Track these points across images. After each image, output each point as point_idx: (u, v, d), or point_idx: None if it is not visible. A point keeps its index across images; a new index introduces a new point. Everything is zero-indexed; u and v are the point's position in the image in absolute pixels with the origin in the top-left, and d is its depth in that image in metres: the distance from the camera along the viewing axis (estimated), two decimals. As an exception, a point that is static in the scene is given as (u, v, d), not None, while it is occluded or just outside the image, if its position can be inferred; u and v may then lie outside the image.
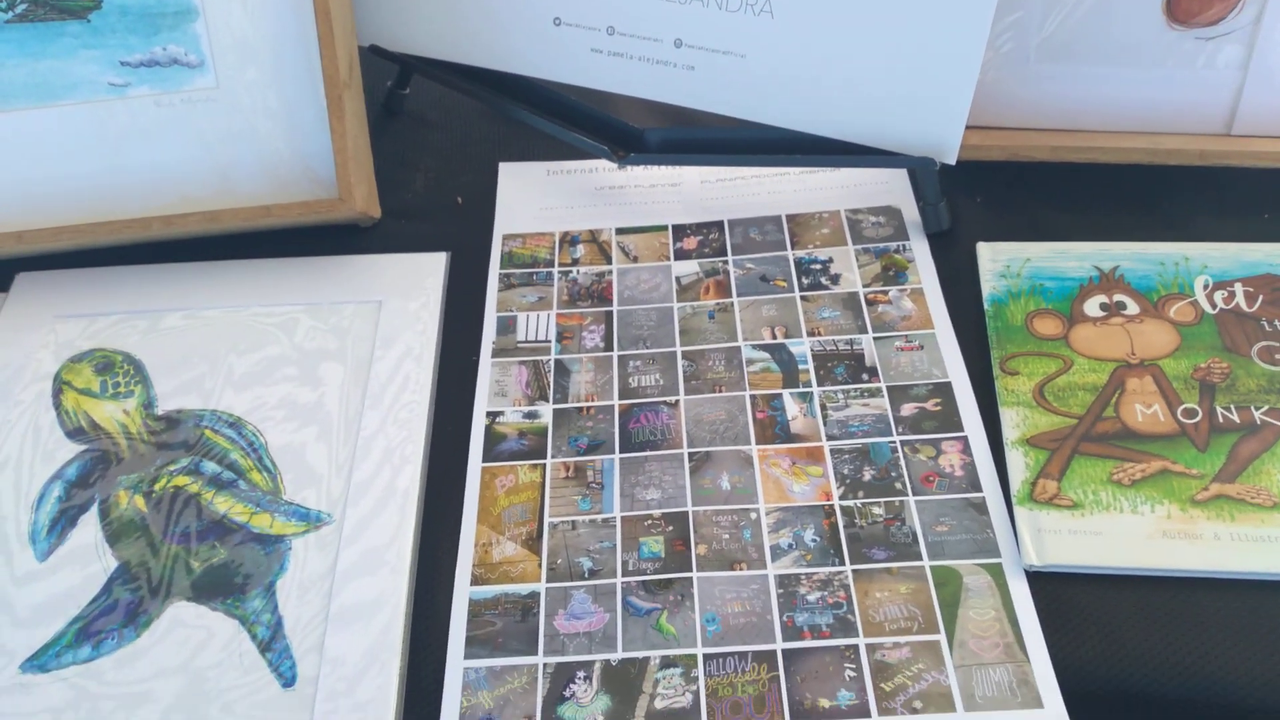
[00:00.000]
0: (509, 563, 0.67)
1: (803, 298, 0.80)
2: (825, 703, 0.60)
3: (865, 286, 0.80)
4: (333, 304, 0.81)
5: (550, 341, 0.79)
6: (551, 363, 0.77)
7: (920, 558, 0.65)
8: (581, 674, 0.62)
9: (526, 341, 0.79)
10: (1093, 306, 0.76)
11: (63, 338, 0.80)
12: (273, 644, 0.64)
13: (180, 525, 0.69)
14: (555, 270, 0.84)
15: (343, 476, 0.71)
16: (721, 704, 0.60)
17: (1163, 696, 0.59)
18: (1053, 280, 0.78)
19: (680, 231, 0.86)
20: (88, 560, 0.68)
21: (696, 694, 0.61)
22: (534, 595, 0.65)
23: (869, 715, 0.59)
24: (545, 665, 0.62)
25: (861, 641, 0.62)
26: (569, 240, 0.86)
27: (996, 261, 0.79)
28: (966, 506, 0.67)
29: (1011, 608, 0.62)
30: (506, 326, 0.80)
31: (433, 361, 0.77)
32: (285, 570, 0.67)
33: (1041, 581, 0.64)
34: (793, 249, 0.84)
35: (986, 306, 0.77)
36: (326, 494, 0.70)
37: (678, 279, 0.82)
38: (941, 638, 0.62)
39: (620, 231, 0.87)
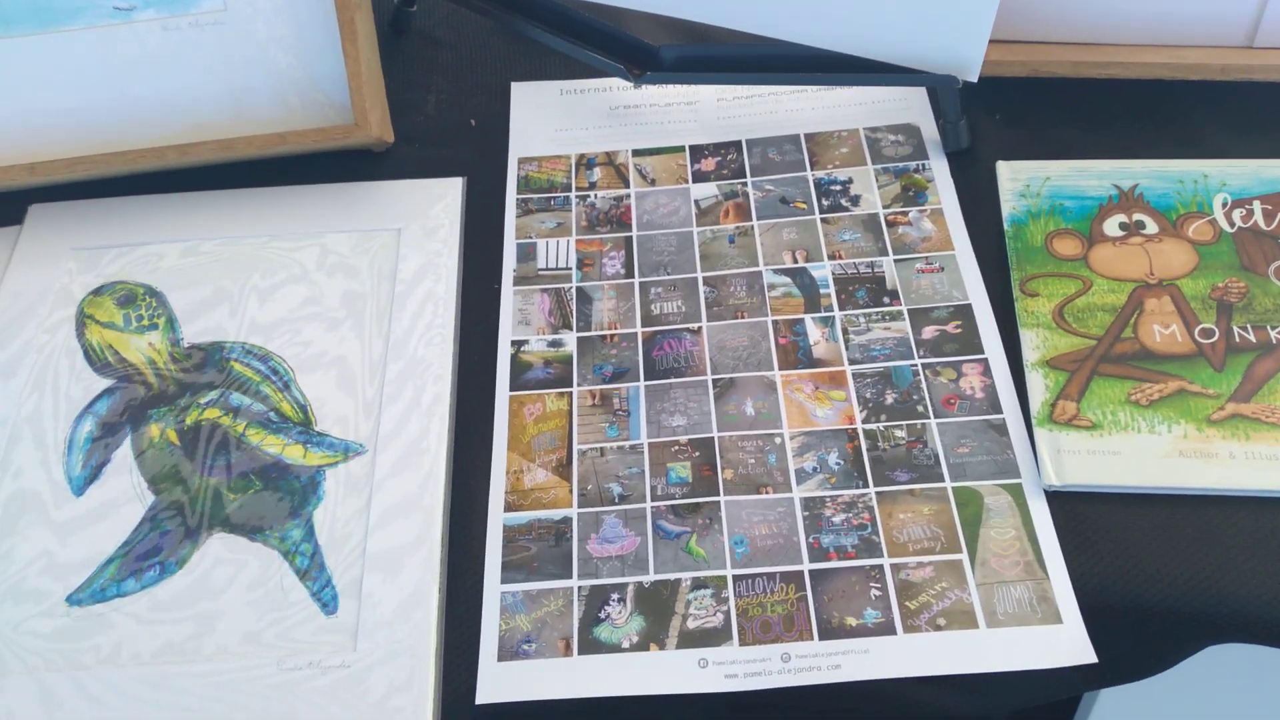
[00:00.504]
0: (540, 489, 0.68)
1: (823, 220, 0.80)
2: (852, 621, 0.62)
3: (885, 208, 0.80)
4: (351, 232, 0.81)
5: (571, 269, 0.79)
6: (573, 290, 0.78)
7: (942, 479, 0.67)
8: (615, 596, 0.64)
9: (547, 269, 0.79)
10: (1112, 226, 0.76)
11: (81, 270, 0.80)
12: (313, 572, 0.65)
13: (214, 459, 0.70)
14: (573, 195, 0.84)
15: (373, 407, 0.72)
16: (752, 623, 0.62)
17: (1178, 611, 0.62)
18: (1072, 200, 0.78)
19: (698, 153, 0.86)
20: (125, 496, 0.69)
21: (727, 614, 0.63)
22: (566, 520, 0.67)
23: (894, 632, 0.61)
24: (580, 588, 0.64)
25: (886, 562, 0.64)
26: (585, 163, 0.86)
27: (1016, 180, 0.79)
28: (987, 428, 0.68)
29: (1031, 527, 0.64)
30: (526, 254, 0.80)
31: (455, 289, 0.77)
32: (321, 500, 0.68)
33: (1060, 501, 0.65)
34: (812, 169, 0.83)
35: (1006, 227, 0.77)
36: (357, 425, 0.71)
37: (696, 202, 0.82)
38: (964, 557, 0.64)
39: (637, 153, 0.86)
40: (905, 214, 0.80)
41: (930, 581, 0.63)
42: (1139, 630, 0.63)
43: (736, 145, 0.86)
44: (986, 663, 0.60)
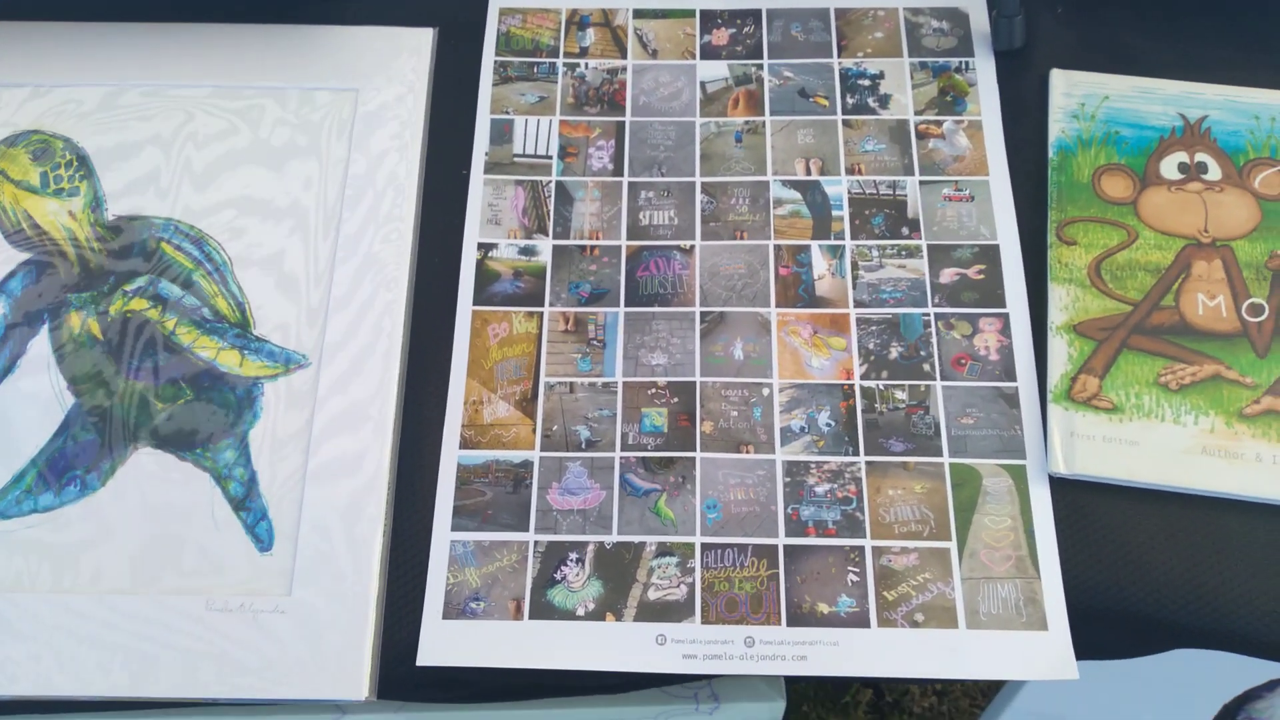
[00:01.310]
0: (501, 425, 0.62)
1: (845, 123, 0.70)
2: (824, 608, 0.58)
3: (917, 114, 0.70)
4: (302, 89, 0.70)
5: (552, 158, 0.69)
6: (553, 185, 0.68)
7: (940, 453, 0.61)
8: (574, 556, 0.59)
9: (524, 155, 0.69)
10: (1170, 166, 0.66)
11: (-10, 112, 0.69)
12: (247, 502, 0.60)
13: (140, 360, 0.63)
14: (560, 62, 0.72)
15: (318, 311, 0.64)
16: (717, 599, 0.58)
17: (1174, 622, 0.58)
18: (1130, 127, 0.68)
19: (709, 20, 0.74)
20: (41, 393, 0.62)
21: (692, 586, 0.58)
22: (527, 465, 0.61)
23: (868, 625, 0.57)
24: (536, 544, 0.59)
25: (868, 544, 0.59)
26: (577, 22, 0.74)
27: (1070, 97, 0.69)
28: (997, 397, 0.62)
29: (1029, 517, 0.59)
30: (502, 133, 0.70)
31: (417, 171, 0.68)
32: (258, 418, 0.62)
33: (1064, 489, 0.60)
34: (839, 56, 0.72)
35: (1051, 155, 0.67)
36: (300, 331, 0.64)
37: (703, 85, 0.71)
38: (952, 546, 0.59)
39: (639, 14, 0.74)
40: (939, 124, 0.69)
41: (912, 570, 0.58)
42: (1129, 637, 0.59)
43: (755, 15, 0.74)
44: (961, 668, 0.57)
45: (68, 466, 0.61)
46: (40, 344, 0.63)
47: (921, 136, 0.69)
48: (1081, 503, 0.60)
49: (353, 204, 0.66)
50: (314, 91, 0.70)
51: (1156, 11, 0.72)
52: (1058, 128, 0.68)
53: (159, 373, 0.63)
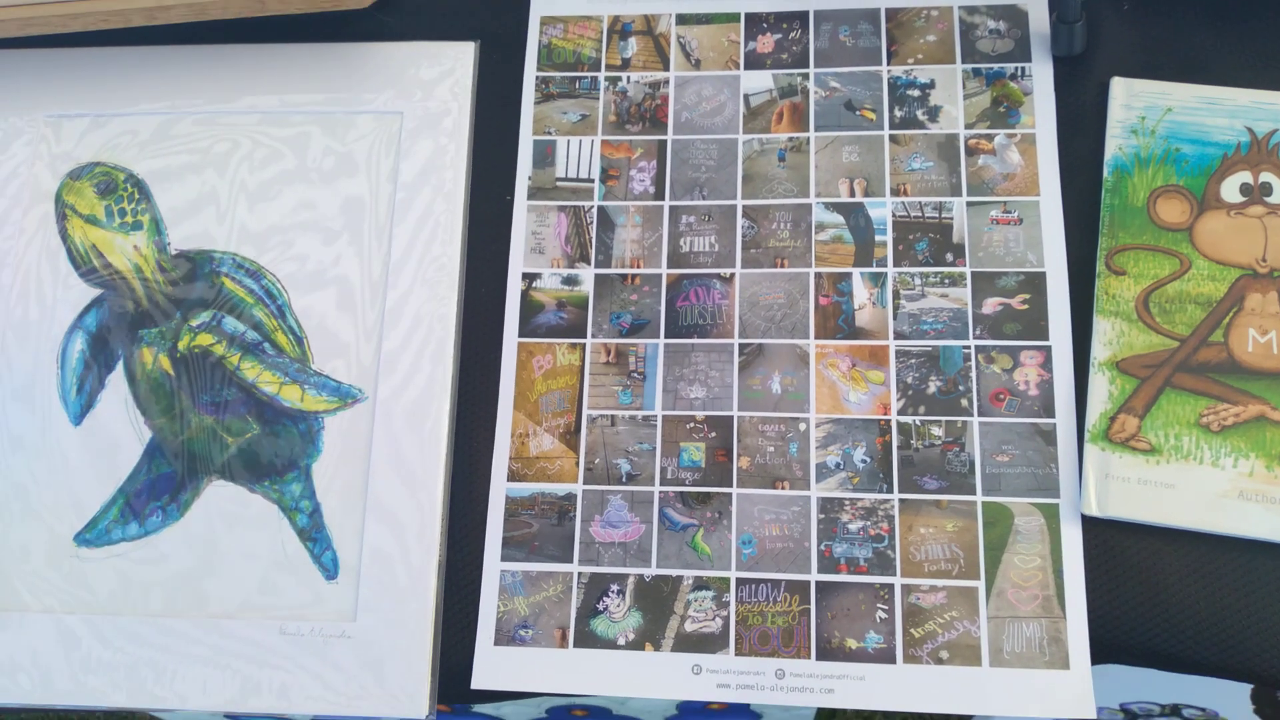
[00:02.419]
0: (546, 458, 0.65)
1: (892, 138, 0.68)
2: (852, 643, 0.60)
3: (968, 127, 0.68)
4: (347, 114, 0.71)
5: (594, 181, 0.69)
6: (594, 210, 0.69)
7: (974, 490, 0.62)
8: (615, 587, 0.63)
9: (567, 179, 0.70)
10: (1231, 188, 0.64)
11: (58, 144, 0.72)
12: (313, 533, 0.65)
13: (209, 393, 0.67)
14: (601, 76, 0.71)
15: (372, 343, 0.67)
16: (750, 633, 0.61)
17: (1199, 662, 0.59)
18: (1192, 144, 0.65)
19: (755, 24, 0.72)
20: (121, 427, 0.67)
21: (727, 620, 0.62)
22: (570, 497, 0.64)
23: (894, 661, 0.60)
24: (580, 574, 0.63)
25: (898, 581, 0.61)
26: (619, 30, 0.72)
27: (1130, 109, 0.66)
28: (1034, 434, 0.62)
29: (1059, 556, 0.60)
30: (544, 156, 0.70)
31: (462, 200, 0.69)
32: (320, 451, 0.66)
33: (1096, 529, 0.61)
34: (889, 63, 0.70)
35: (1106, 175, 0.65)
36: (356, 363, 0.67)
37: (746, 98, 0.70)
38: (980, 585, 0.61)
39: (682, 20, 0.72)
40: (990, 139, 0.67)
41: (940, 609, 0.60)
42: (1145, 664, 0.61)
43: (802, 18, 0.71)
44: (982, 705, 0.59)
45: (150, 498, 0.66)
46: (118, 379, 0.68)
47: (971, 152, 0.67)
48: (1112, 542, 0.61)
49: (400, 233, 0.68)
50: (358, 116, 0.71)
51: (1233, 10, 0.68)
52: (1115, 144, 0.65)
53: (227, 407, 0.67)
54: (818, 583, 0.62)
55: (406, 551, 0.63)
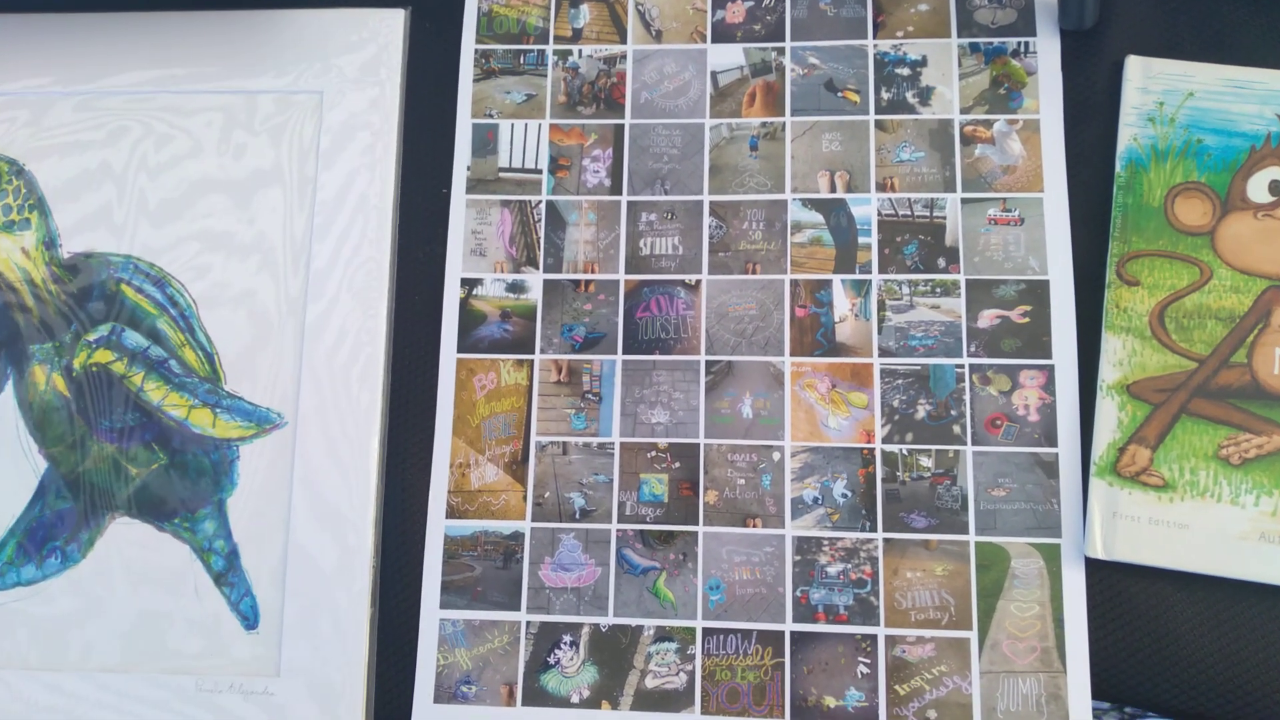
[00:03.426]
0: (489, 491, 0.58)
1: (878, 125, 0.60)
2: (830, 701, 0.54)
3: (964, 111, 0.60)
4: (257, 94, 0.62)
5: (542, 173, 0.61)
6: (543, 207, 0.61)
7: (966, 529, 0.55)
8: (568, 639, 0.56)
9: (511, 170, 0.61)
10: (1259, 186, 0.57)
11: (-72, 126, 0.63)
12: (230, 577, 0.58)
13: (110, 418, 0.59)
14: (550, 49, 0.63)
15: (292, 360, 0.59)
16: (718, 689, 0.55)
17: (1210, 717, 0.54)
18: (1216, 134, 0.57)
19: (723, -11, 0.63)
20: (13, 457, 0.59)
21: (692, 675, 0.55)
22: (517, 537, 0.57)
23: (876, 720, 0.54)
24: (529, 624, 0.57)
25: (881, 632, 0.55)
26: (571, -4, 0.64)
27: (1148, 93, 0.58)
28: (1033, 465, 0.56)
29: (1059, 603, 0.54)
30: (485, 142, 0.62)
31: (392, 192, 0.61)
32: (235, 485, 0.58)
33: (1100, 569, 0.55)
34: (875, 36, 0.61)
35: (1118, 169, 0.57)
36: (274, 384, 0.59)
37: (714, 75, 0.62)
38: (972, 635, 0.55)
39: (641, -16, 0.63)
40: (989, 125, 0.60)
41: (928, 663, 0.55)
42: (1155, 731, 0.55)
43: (778, -17, 0.63)
44: (973, 770, 0.54)
45: (47, 537, 0.59)
46: (6, 401, 0.60)
47: (967, 141, 0.60)
48: (1118, 586, 0.55)
49: (322, 234, 0.60)
50: (270, 97, 0.62)
51: (1264, -25, 0.60)
52: (1129, 134, 0.58)
53: (130, 434, 0.59)
54: (793, 633, 0.55)
55: (335, 597, 0.57)
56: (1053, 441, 0.56)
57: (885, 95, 0.61)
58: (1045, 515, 0.55)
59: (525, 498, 0.58)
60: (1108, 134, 0.58)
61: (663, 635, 0.56)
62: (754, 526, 0.56)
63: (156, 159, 0.62)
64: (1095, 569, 0.55)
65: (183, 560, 0.58)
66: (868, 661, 0.55)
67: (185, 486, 0.58)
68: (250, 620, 0.57)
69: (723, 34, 0.62)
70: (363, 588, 0.57)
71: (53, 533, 0.58)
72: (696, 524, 0.57)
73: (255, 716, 0.56)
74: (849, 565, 0.56)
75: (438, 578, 0.57)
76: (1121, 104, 0.58)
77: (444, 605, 0.57)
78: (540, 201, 0.61)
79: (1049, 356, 0.57)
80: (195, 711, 0.56)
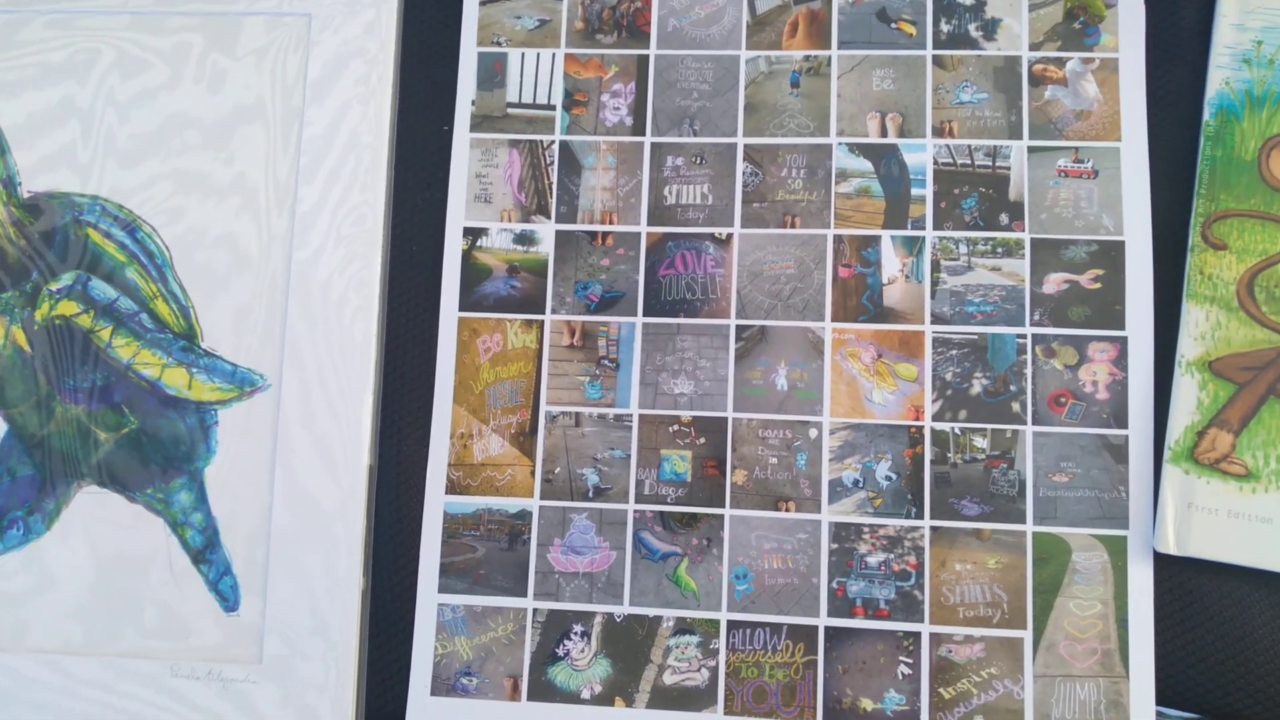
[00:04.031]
0: (494, 465, 0.52)
1: (936, 61, 0.53)
2: (867, 704, 0.49)
3: (1034, 48, 0.53)
4: (239, 14, 0.55)
5: (555, 109, 0.55)
6: (556, 148, 0.54)
7: (1023, 518, 0.50)
8: (579, 628, 0.51)
9: (521, 105, 0.55)
10: (1372, 138, 0.50)
11: None
12: (208, 554, 0.52)
13: (76, 377, 0.53)
14: (568, -31, 0.56)
15: (276, 316, 0.53)
16: (744, 687, 0.50)
17: (1282, 735, 0.49)
18: (1324, 78, 0.51)
19: (763, -97, 0.56)
20: (-32, 417, 0.54)
21: (715, 671, 0.50)
22: (524, 516, 0.52)
23: (917, 726, 0.49)
24: (535, 612, 0.51)
25: (926, 629, 0.50)
26: (591, -93, 0.56)
27: (1244, 30, 0.51)
28: (1100, 448, 0.50)
29: (1124, 602, 0.49)
30: (492, 73, 0.55)
31: (387, 130, 0.54)
32: (213, 452, 0.53)
33: (1170, 566, 0.49)
34: (933, -41, 0.54)
35: (1207, 117, 0.51)
36: (256, 342, 0.53)
37: (751, 3, 0.55)
38: (1027, 635, 0.49)
39: (671, -104, 0.56)
40: (1061, 64, 0.53)
41: (977, 664, 0.49)
42: (1224, 743, 0.50)
43: (825, -104, 0.55)
44: (1023, 783, 0.49)
45: (7, 507, 0.53)
46: (-41, 356, 0.54)
47: (1036, 82, 0.53)
48: (1190, 585, 0.49)
49: (310, 176, 0.54)
50: (252, 19, 0.55)
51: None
52: (1220, 76, 0.51)
53: (98, 395, 0.53)
54: (827, 628, 0.50)
55: (322, 579, 0.51)
56: (1123, 422, 0.50)
57: (945, 27, 0.54)
58: (1111, 504, 0.50)
59: (533, 473, 0.52)
60: (1196, 77, 0.52)
61: (683, 627, 0.51)
62: (786, 510, 0.51)
63: (125, 91, 0.55)
64: (1165, 565, 0.49)
65: (156, 534, 0.52)
66: (910, 661, 0.49)
67: (158, 454, 0.53)
68: (230, 601, 0.52)
69: (762, -46, 0.55)
70: (353, 569, 0.51)
71: (13, 502, 0.53)
72: (723, 506, 0.51)
73: (234, 707, 0.51)
74: (891, 555, 0.50)
75: (436, 559, 0.52)
76: (1213, 43, 0.51)
77: (443, 589, 0.52)
78: (553, 142, 0.54)
79: (1121, 327, 0.51)
80: (167, 701, 0.51)
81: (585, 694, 0.51)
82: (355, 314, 0.53)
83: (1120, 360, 0.51)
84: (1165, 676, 0.49)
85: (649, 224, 0.53)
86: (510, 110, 0.55)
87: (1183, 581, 0.49)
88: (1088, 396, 0.50)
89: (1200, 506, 0.48)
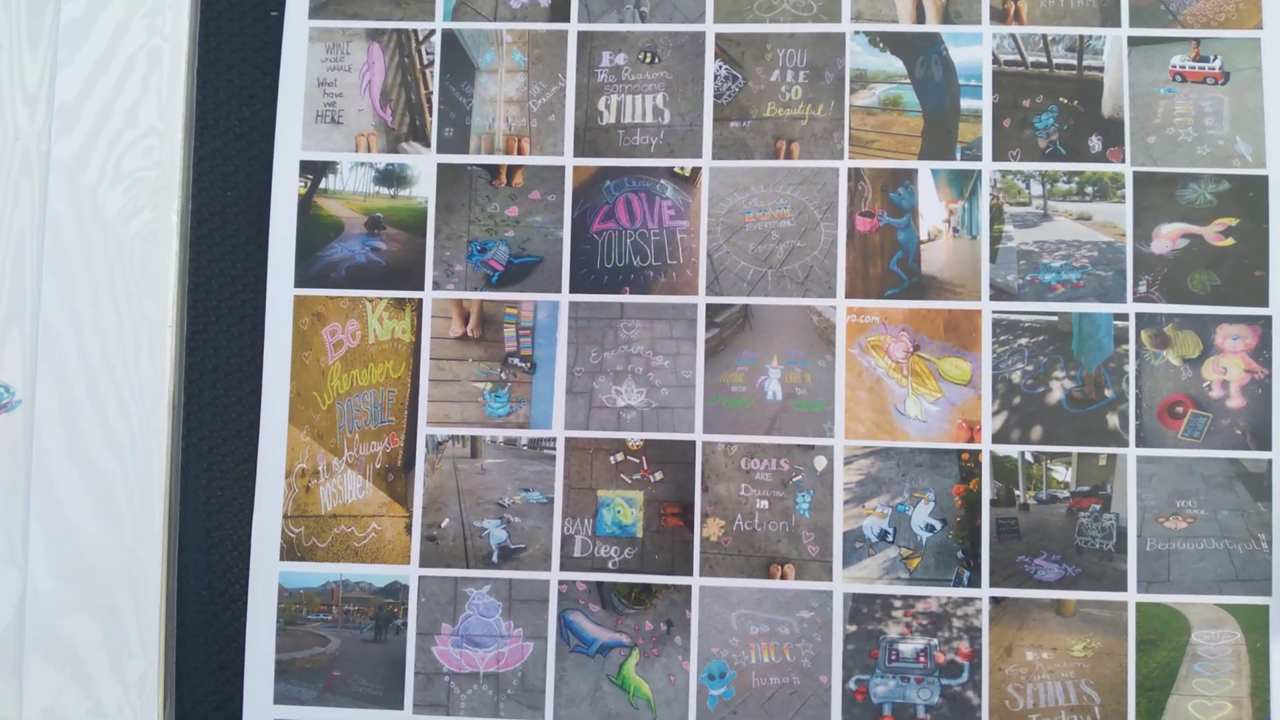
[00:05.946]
0: (351, 517, 0.36)
1: (993, -90, 0.37)
2: None
3: (1135, -109, 0.36)
4: None
5: (435, -19, 0.37)
6: (438, 39, 0.37)
7: (1123, 583, 0.35)
8: (481, 755, 0.35)
9: (384, -24, 0.37)
10: None
11: None
12: (-81, 657, 0.35)
13: None
14: None
15: (22, 297, 0.35)
16: (722, 834, 0.35)
17: None
18: None
19: None
20: None
21: (680, 811, 0.35)
22: (397, 591, 0.35)
23: None
24: (417, 731, 0.35)
25: (985, 747, 0.35)
26: None
27: None
28: (1233, 480, 0.35)
29: (1264, 699, 0.34)
30: (341, -72, 0.37)
31: (187, 19, 0.36)
32: (-75, 504, 0.35)
33: (1332, 647, 0.35)
34: None
35: (1397, -8, 0.35)
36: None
37: None
38: (1129, 752, 0.34)
39: None
40: (1177, -85, 0.36)
41: (1057, 795, 0.34)
42: None
43: None
44: None
45: None
46: None
47: (1141, -59, 0.36)
48: (1361, 677, 0.35)
49: (71, 88, 0.35)
50: None
51: None
52: None
53: None
54: (843, 748, 0.35)
55: (99, 690, 0.34)
56: (1264, 442, 0.35)
57: None
58: (1249, 560, 0.35)
59: (409, 527, 0.35)
60: (1378, -68, 0.36)
61: (634, 751, 0.35)
62: (782, 577, 0.35)
63: None
64: (1324, 646, 0.35)
65: None
66: (963, 794, 0.34)
67: None
68: (-43, 726, 0.35)
69: None
70: (146, 675, 0.34)
71: None
72: (689, 573, 0.35)
73: None
74: (935, 640, 0.35)
75: (269, 655, 0.35)
76: (1403, -119, 0.35)
77: (280, 698, 0.35)
78: (432, 31, 0.36)
79: (1264, 304, 0.35)
80: None
81: None
82: (143, 293, 0.35)
83: (1261, 351, 0.35)
84: (1322, 804, 0.34)
85: (577, 154, 0.36)
86: (366, -18, 0.37)
87: (1347, 668, 0.35)
88: (1215, 404, 0.35)
89: (1380, 564, 0.34)
